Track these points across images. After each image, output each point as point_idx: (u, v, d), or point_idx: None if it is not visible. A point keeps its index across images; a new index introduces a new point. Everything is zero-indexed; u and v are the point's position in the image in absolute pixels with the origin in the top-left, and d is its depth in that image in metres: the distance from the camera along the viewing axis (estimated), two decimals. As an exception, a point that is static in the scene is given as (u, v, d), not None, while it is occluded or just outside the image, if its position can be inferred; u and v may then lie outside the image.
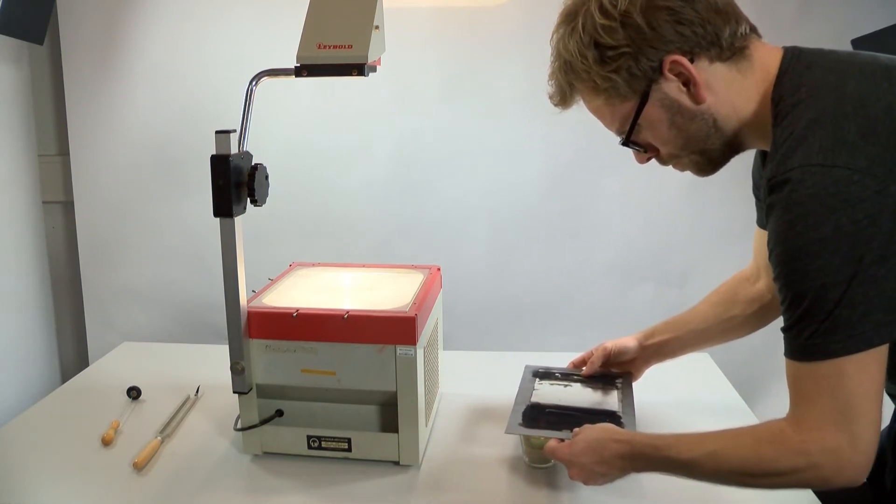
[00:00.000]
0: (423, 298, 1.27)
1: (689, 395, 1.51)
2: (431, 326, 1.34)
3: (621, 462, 1.06)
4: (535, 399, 1.33)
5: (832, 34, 1.72)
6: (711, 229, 1.91)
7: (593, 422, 1.14)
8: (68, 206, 2.03)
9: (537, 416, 1.27)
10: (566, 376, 1.43)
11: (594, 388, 1.38)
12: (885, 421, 1.18)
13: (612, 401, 1.32)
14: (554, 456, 1.13)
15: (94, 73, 1.91)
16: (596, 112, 1.04)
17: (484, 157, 1.92)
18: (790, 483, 0.92)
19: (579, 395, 1.35)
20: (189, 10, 1.87)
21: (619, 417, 1.25)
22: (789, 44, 1.00)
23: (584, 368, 1.42)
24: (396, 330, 1.20)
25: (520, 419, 1.25)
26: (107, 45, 1.89)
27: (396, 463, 1.27)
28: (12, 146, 1.86)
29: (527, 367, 1.47)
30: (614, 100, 0.99)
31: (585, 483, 1.11)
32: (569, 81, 1.02)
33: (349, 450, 1.26)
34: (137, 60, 1.90)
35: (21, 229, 1.91)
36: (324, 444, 1.27)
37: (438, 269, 1.46)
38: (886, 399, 1.10)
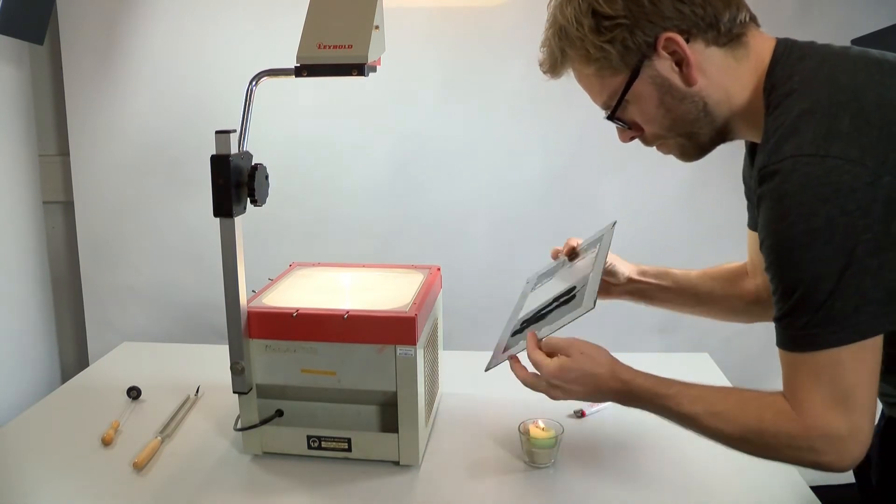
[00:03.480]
0: (423, 298, 1.27)
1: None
2: (431, 326, 1.34)
3: (615, 397, 1.04)
4: (522, 314, 1.28)
5: (832, 34, 1.69)
6: (711, 229, 1.91)
7: (563, 304, 1.10)
8: (68, 206, 2.03)
9: (520, 331, 1.21)
10: (557, 268, 1.36)
11: (580, 261, 1.31)
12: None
13: (586, 268, 1.23)
14: (538, 373, 1.06)
15: (94, 73, 1.91)
16: (584, 82, 1.03)
17: (484, 156, 1.92)
18: (785, 459, 0.93)
19: (562, 279, 1.28)
20: (189, 10, 1.87)
21: (574, 289, 1.17)
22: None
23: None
24: (396, 330, 1.20)
25: (503, 346, 1.20)
26: (107, 45, 1.89)
27: (396, 463, 1.27)
28: (12, 146, 1.86)
29: (527, 280, 1.42)
30: (605, 71, 0.98)
31: (563, 399, 1.07)
32: (561, 48, 1.00)
33: (349, 450, 1.26)
34: (137, 60, 1.90)
35: (21, 229, 1.91)
36: (324, 444, 1.27)
37: (438, 269, 1.46)
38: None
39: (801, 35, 0.98)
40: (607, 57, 0.96)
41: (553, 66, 1.03)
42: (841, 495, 1.20)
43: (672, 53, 0.94)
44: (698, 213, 1.90)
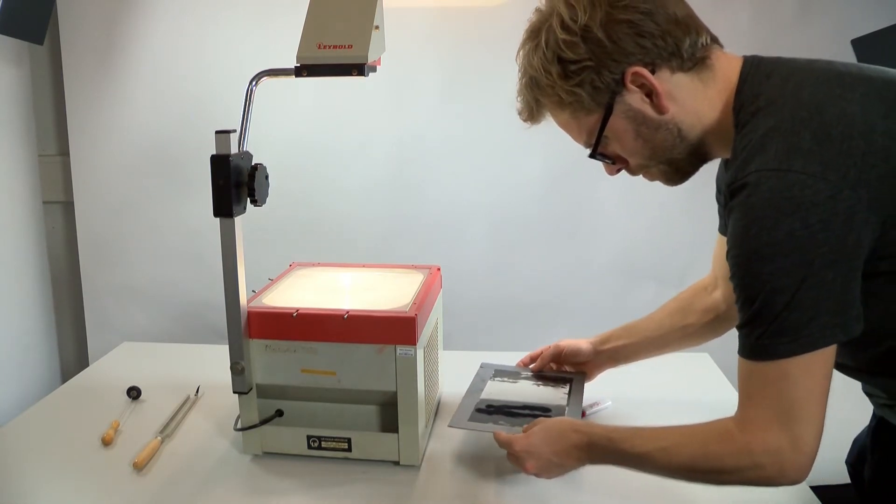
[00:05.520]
0: (423, 298, 1.27)
1: (689, 395, 1.51)
2: (431, 326, 1.34)
3: (578, 453, 1.08)
4: (484, 395, 1.35)
5: (832, 34, 1.71)
6: (711, 230, 1.90)
7: (539, 416, 1.17)
8: (68, 206, 2.03)
9: (485, 411, 1.29)
10: (518, 374, 1.45)
11: (545, 384, 1.40)
12: (865, 421, 1.20)
13: (559, 397, 1.34)
14: (509, 447, 1.15)
15: (94, 73, 1.91)
16: (563, 126, 1.06)
17: (484, 157, 1.92)
18: (735, 481, 0.94)
19: (527, 392, 1.37)
20: (189, 10, 1.87)
21: (564, 410, 1.28)
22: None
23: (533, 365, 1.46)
24: (396, 330, 1.20)
25: (467, 414, 1.27)
26: (107, 45, 1.89)
27: (396, 463, 1.27)
28: (12, 146, 1.86)
29: (482, 364, 1.48)
30: (579, 113, 1.01)
31: (539, 475, 1.13)
32: (535, 97, 1.04)
33: (349, 450, 1.26)
34: (137, 60, 1.90)
35: (21, 229, 1.91)
36: (324, 444, 1.27)
37: (438, 269, 1.46)
38: (862, 399, 1.10)
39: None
40: (579, 100, 0.99)
41: (531, 114, 1.07)
42: (840, 495, 1.21)
43: (640, 86, 0.97)
44: (698, 213, 1.90)
